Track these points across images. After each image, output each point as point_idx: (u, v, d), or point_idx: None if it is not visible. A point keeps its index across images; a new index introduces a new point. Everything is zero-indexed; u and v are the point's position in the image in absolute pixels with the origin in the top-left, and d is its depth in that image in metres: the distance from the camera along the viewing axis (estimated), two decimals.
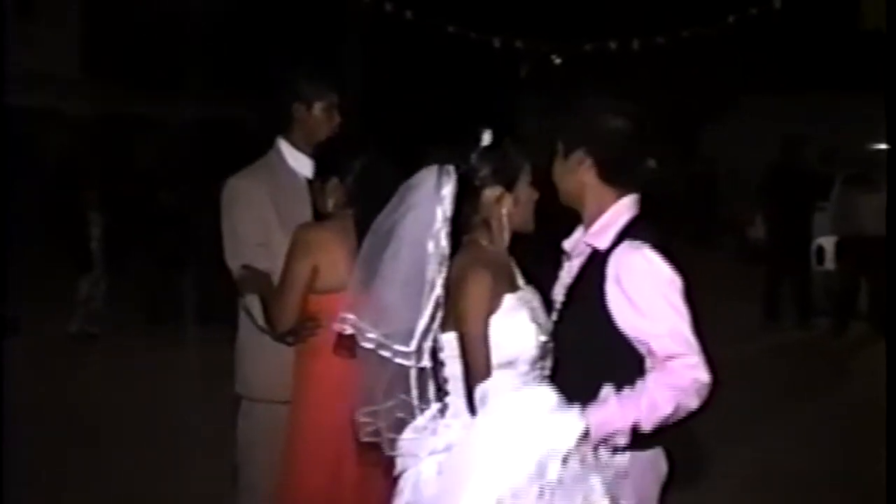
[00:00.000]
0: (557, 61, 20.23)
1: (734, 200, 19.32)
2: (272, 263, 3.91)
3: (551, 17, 21.76)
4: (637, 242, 2.90)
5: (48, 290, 12.34)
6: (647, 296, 2.86)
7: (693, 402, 2.86)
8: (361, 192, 3.74)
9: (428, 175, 3.05)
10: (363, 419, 2.99)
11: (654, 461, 3.05)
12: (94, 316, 11.45)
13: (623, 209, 3.01)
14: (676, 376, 2.82)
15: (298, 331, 3.72)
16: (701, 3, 16.50)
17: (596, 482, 2.81)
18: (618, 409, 2.79)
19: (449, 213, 3.00)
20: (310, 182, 4.12)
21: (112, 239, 11.73)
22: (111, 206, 12.02)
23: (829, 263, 12.59)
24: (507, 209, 3.09)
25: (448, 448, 2.90)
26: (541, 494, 2.71)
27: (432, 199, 3.00)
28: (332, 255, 3.68)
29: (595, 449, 2.83)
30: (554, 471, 2.70)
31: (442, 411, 2.97)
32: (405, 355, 2.94)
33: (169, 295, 12.28)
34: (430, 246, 2.97)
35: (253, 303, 3.97)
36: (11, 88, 20.91)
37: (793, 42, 23.24)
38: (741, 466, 6.73)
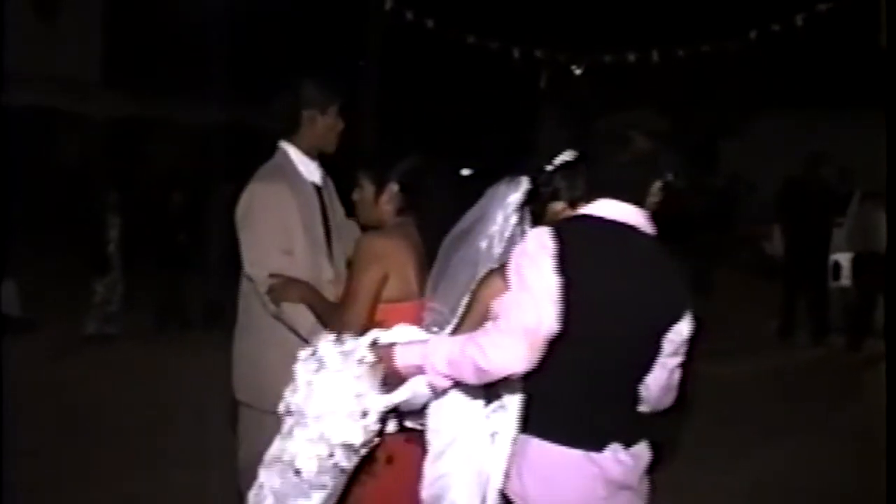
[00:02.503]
0: (577, 72, 20.21)
1: (752, 215, 19.27)
2: (297, 272, 3.93)
3: (572, 27, 21.76)
4: (545, 227, 2.86)
5: (64, 292, 12.39)
6: (511, 262, 2.83)
7: (467, 373, 2.74)
8: (414, 197, 3.83)
9: (501, 185, 3.25)
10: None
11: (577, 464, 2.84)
12: (110, 318, 11.50)
13: (590, 207, 2.93)
14: (476, 335, 2.75)
15: None
16: (723, 17, 16.49)
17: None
18: (415, 348, 2.88)
19: (512, 219, 3.20)
20: (318, 189, 4.20)
21: (129, 241, 11.78)
22: (129, 208, 12.08)
23: (846, 279, 12.55)
24: None
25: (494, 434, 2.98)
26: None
27: (499, 205, 3.21)
28: (400, 265, 3.72)
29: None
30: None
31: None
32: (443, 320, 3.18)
33: (184, 298, 12.32)
34: (483, 245, 3.17)
35: (293, 312, 3.91)
36: (31, 91, 21.16)
37: (814, 58, 23.16)
38: (749, 479, 6.72)
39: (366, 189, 3.91)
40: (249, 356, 4.18)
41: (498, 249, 3.19)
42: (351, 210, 4.35)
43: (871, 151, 9.22)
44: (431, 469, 2.99)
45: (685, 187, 13.54)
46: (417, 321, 3.45)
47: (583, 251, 2.77)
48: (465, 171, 26.85)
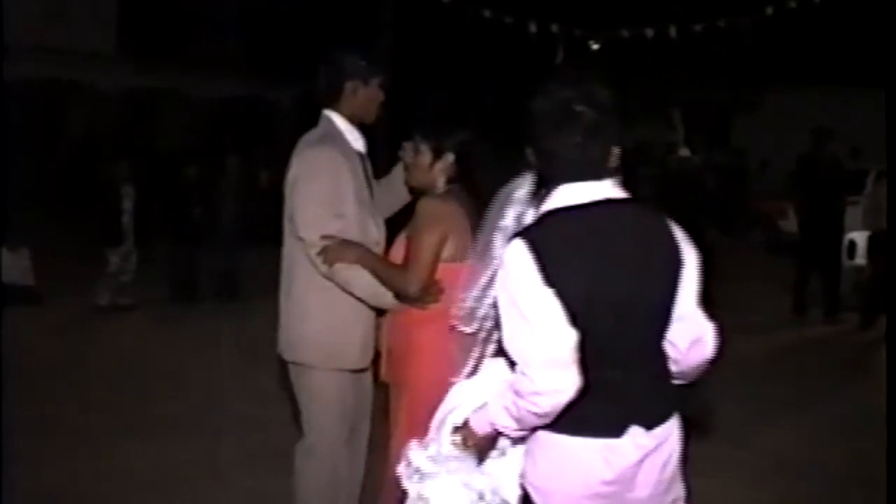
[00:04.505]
0: (595, 47, 20.15)
1: (766, 193, 19.22)
2: (349, 234, 4.04)
3: (589, 2, 21.67)
4: (519, 238, 2.72)
5: (78, 263, 12.46)
6: (499, 290, 2.77)
7: (533, 421, 2.72)
8: (466, 167, 3.98)
9: (511, 183, 3.21)
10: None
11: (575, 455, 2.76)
12: (124, 289, 11.55)
13: (554, 200, 2.81)
14: (514, 385, 2.70)
15: (423, 297, 3.85)
16: None
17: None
18: (483, 415, 2.85)
19: (528, 212, 3.10)
20: (360, 156, 4.30)
21: (143, 213, 11.81)
22: (143, 180, 12.12)
23: (860, 258, 12.51)
24: None
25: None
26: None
27: (507, 203, 3.16)
28: (459, 227, 3.88)
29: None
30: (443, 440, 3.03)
31: None
32: (460, 320, 3.20)
33: (197, 269, 12.35)
34: (498, 239, 3.13)
35: (349, 273, 4.01)
36: (46, 63, 21.21)
37: (831, 35, 23.04)
38: (762, 454, 6.72)
39: (423, 154, 4.04)
40: (305, 316, 4.23)
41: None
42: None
43: (887, 130, 9.19)
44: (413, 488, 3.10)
45: (699, 163, 13.51)
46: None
47: (564, 251, 2.67)
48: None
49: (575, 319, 2.63)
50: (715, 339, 2.91)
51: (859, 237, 12.44)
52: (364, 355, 4.23)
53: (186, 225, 12.02)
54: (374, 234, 4.22)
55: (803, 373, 9.31)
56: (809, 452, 6.83)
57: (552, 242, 2.68)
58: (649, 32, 15.18)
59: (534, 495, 2.82)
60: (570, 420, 2.70)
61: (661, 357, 2.86)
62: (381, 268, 4.00)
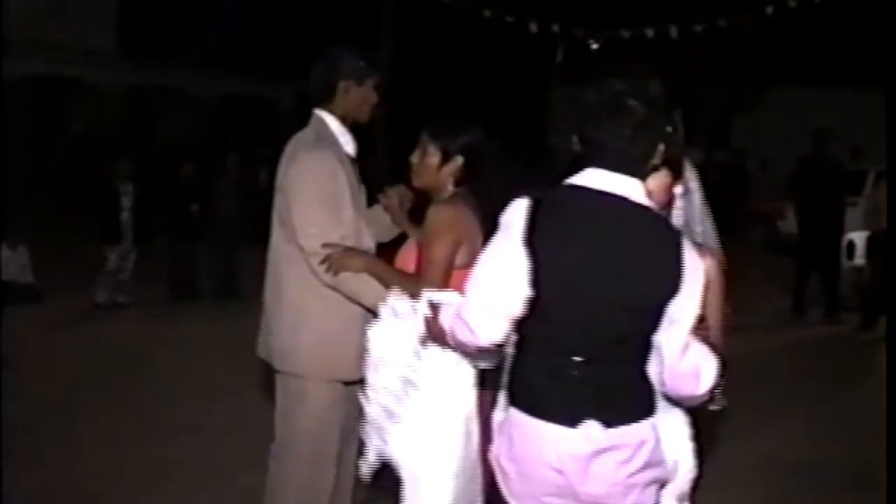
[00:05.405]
0: (594, 46, 20.17)
1: (765, 193, 19.23)
2: (348, 241, 3.93)
3: (589, 2, 21.65)
4: (527, 197, 2.79)
5: (77, 260, 12.45)
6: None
7: (460, 346, 2.95)
8: (474, 170, 3.90)
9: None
10: None
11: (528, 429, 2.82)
12: (122, 287, 11.54)
13: (578, 177, 2.83)
14: (462, 311, 2.87)
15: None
16: None
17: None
18: (446, 309, 3.02)
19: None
20: (352, 160, 4.18)
21: (142, 211, 11.79)
22: (142, 178, 12.11)
23: (860, 259, 12.51)
24: None
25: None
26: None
27: None
28: (471, 232, 3.78)
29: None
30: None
31: None
32: None
33: (195, 268, 12.34)
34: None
35: (356, 282, 3.88)
36: (46, 59, 21.18)
37: (831, 34, 23.03)
38: (760, 454, 6.72)
39: (431, 155, 3.93)
40: (300, 324, 4.09)
41: None
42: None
43: (887, 130, 9.18)
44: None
45: (699, 162, 13.52)
46: None
47: (558, 222, 2.71)
48: None
49: (538, 289, 2.70)
50: (712, 379, 2.87)
51: (858, 238, 12.44)
52: (359, 365, 3.94)
53: (186, 223, 12.01)
54: (367, 240, 4.12)
55: (803, 373, 9.30)
56: (809, 453, 6.84)
57: (551, 212, 2.74)
58: (649, 32, 15.15)
59: (496, 471, 2.94)
60: (533, 400, 2.80)
61: (640, 360, 2.84)
62: (392, 277, 3.82)
